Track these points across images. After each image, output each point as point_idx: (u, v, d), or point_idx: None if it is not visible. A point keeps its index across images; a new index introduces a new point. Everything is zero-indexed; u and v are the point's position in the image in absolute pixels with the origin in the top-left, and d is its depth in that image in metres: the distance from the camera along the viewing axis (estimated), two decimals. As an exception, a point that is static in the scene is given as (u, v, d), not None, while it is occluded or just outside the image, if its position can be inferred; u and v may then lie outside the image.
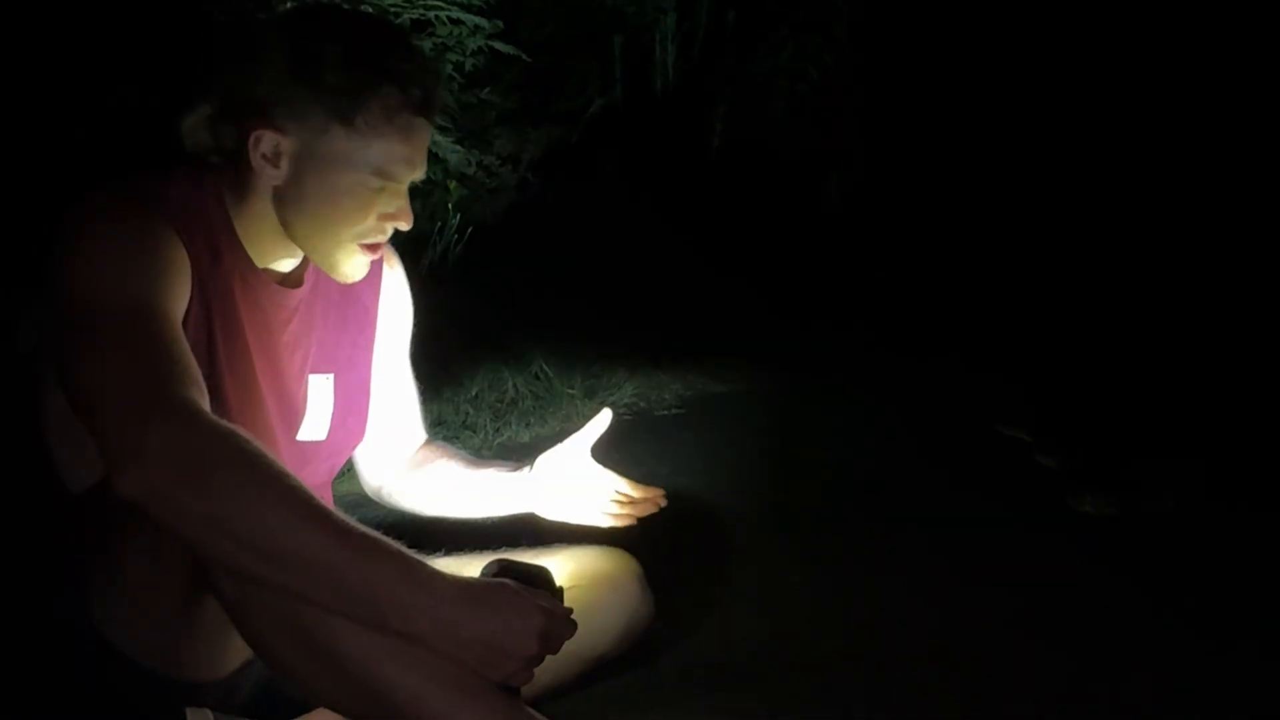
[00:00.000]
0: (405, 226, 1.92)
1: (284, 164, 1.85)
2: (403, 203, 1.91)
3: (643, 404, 4.63)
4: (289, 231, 1.90)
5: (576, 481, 2.22)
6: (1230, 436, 3.80)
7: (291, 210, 1.87)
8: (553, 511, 2.25)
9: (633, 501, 2.20)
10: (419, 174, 1.92)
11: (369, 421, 2.23)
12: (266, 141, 1.84)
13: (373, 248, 1.92)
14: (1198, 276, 6.14)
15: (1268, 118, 6.72)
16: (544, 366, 4.54)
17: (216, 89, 1.90)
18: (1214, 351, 5.01)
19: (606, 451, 3.90)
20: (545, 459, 2.23)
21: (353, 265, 1.93)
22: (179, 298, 1.74)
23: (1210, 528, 3.06)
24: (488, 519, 2.28)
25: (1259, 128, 6.76)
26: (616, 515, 2.20)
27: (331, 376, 2.11)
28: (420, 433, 2.37)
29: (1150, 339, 5.25)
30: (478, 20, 4.39)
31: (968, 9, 6.89)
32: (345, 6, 2.16)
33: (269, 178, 1.86)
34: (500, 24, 4.44)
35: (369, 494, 2.38)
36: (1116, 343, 5.24)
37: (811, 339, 5.58)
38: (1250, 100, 6.87)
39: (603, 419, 2.21)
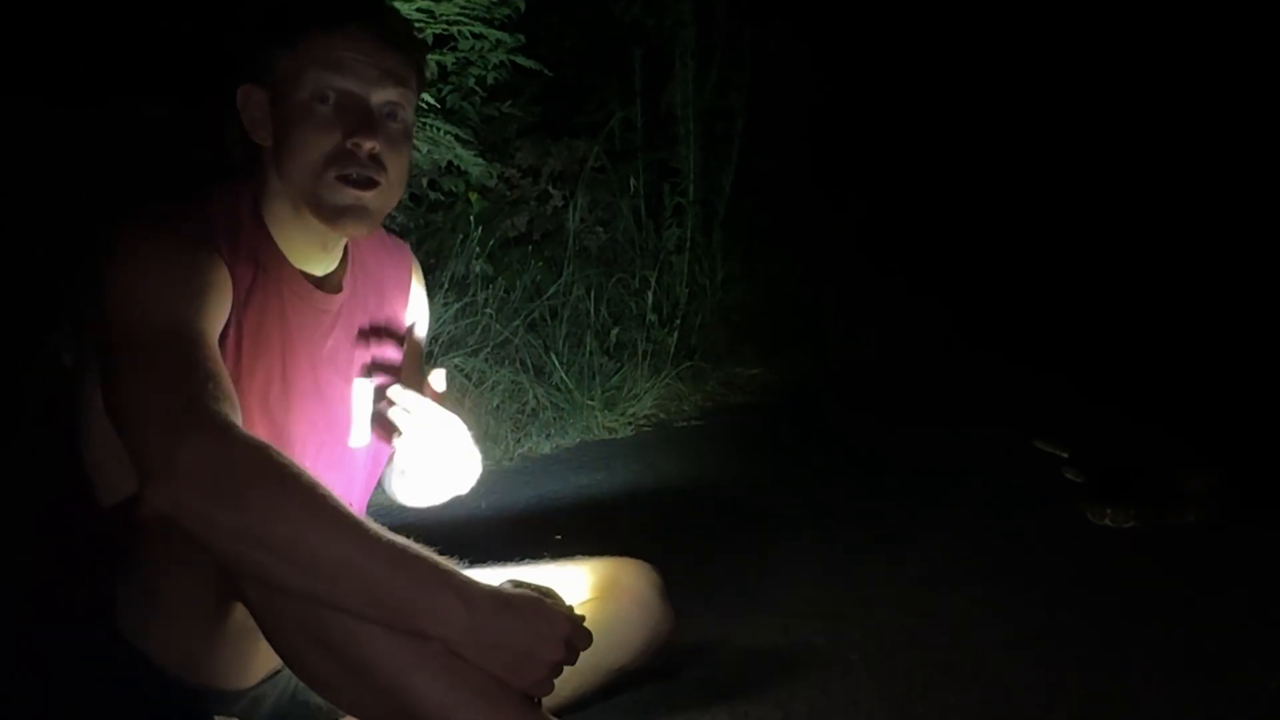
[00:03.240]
0: (369, 142, 1.88)
1: (267, 122, 1.90)
2: (364, 119, 1.89)
3: (662, 415, 4.64)
4: (289, 190, 1.91)
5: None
6: (1257, 449, 3.82)
7: (281, 159, 1.90)
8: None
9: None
10: (381, 91, 1.91)
11: None
12: (248, 98, 1.91)
13: (358, 184, 1.89)
14: (1226, 295, 6.17)
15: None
16: (564, 378, 4.54)
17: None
18: (1241, 367, 5.04)
19: (628, 465, 3.93)
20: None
21: (342, 201, 1.89)
22: (217, 319, 1.76)
23: (1230, 541, 3.05)
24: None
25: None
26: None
27: (374, 382, 2.13)
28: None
29: (1180, 357, 5.28)
30: (499, 35, 4.41)
31: (991, 25, 6.92)
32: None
33: (263, 143, 1.92)
34: (521, 38, 4.45)
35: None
36: (1149, 362, 5.27)
37: (832, 350, 5.60)
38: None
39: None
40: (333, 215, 1.90)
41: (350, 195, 1.89)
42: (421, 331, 2.32)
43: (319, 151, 1.87)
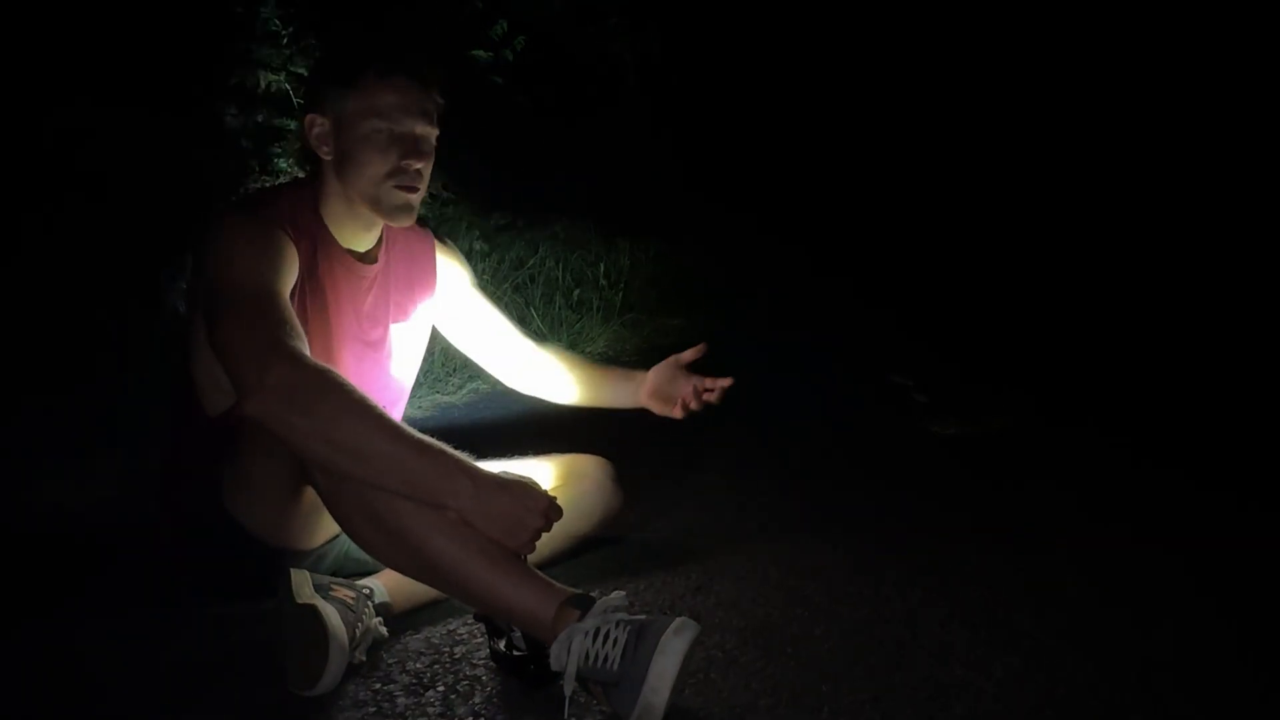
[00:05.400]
0: (418, 163, 1.91)
1: (330, 141, 1.90)
2: (413, 146, 1.90)
3: (611, 354, 4.63)
4: (348, 192, 1.91)
5: (671, 386, 2.22)
6: (1046, 382, 3.90)
7: (344, 171, 1.90)
8: (654, 408, 2.25)
9: (707, 391, 2.19)
10: (421, 126, 1.92)
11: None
12: (315, 125, 1.91)
13: (408, 189, 1.91)
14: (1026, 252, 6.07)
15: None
16: (540, 325, 4.54)
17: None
18: (1040, 310, 5.11)
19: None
20: (654, 371, 2.25)
21: (397, 203, 1.91)
22: (289, 279, 1.78)
23: (1025, 441, 3.12)
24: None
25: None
26: (694, 407, 2.20)
27: (407, 325, 2.12)
28: (520, 339, 2.34)
29: (995, 306, 5.32)
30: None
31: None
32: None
33: (325, 156, 1.91)
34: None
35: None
36: (973, 311, 5.31)
37: (731, 307, 5.60)
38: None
39: (698, 350, 2.21)
40: (390, 211, 1.92)
41: (403, 197, 1.91)
42: (466, 282, 2.27)
43: (382, 169, 1.88)
